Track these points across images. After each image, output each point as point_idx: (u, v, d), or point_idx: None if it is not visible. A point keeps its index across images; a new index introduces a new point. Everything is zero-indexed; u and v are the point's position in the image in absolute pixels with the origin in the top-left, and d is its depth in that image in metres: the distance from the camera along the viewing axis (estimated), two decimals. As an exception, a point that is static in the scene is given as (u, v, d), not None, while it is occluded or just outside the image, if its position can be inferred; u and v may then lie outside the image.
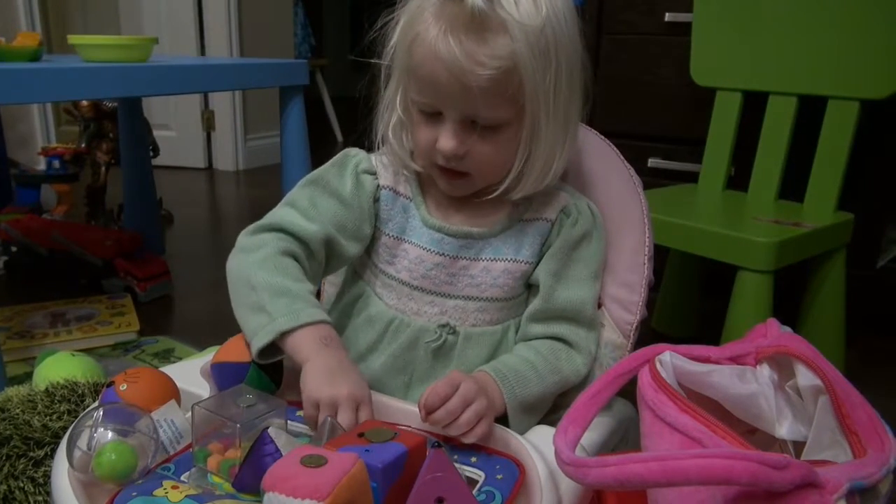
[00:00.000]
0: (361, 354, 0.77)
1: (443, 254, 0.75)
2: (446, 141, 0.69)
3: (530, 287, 0.78)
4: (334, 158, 0.78)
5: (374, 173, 0.77)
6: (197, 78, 1.45)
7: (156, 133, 2.23)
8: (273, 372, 0.71)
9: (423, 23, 0.67)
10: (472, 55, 0.64)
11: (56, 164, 2.22)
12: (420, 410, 0.63)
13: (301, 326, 0.66)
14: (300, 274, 0.71)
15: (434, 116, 0.70)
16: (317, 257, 0.73)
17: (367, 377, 0.74)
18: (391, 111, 0.75)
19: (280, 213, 0.74)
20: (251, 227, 0.74)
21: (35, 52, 1.24)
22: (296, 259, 0.72)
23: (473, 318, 0.75)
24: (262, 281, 0.68)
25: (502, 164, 0.71)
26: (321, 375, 0.63)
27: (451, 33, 0.64)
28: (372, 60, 0.75)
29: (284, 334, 0.66)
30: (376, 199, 0.77)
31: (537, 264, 0.76)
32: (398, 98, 0.74)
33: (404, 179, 0.77)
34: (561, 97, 0.68)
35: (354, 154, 0.78)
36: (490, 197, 0.73)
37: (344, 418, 0.61)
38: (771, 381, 0.59)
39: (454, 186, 0.74)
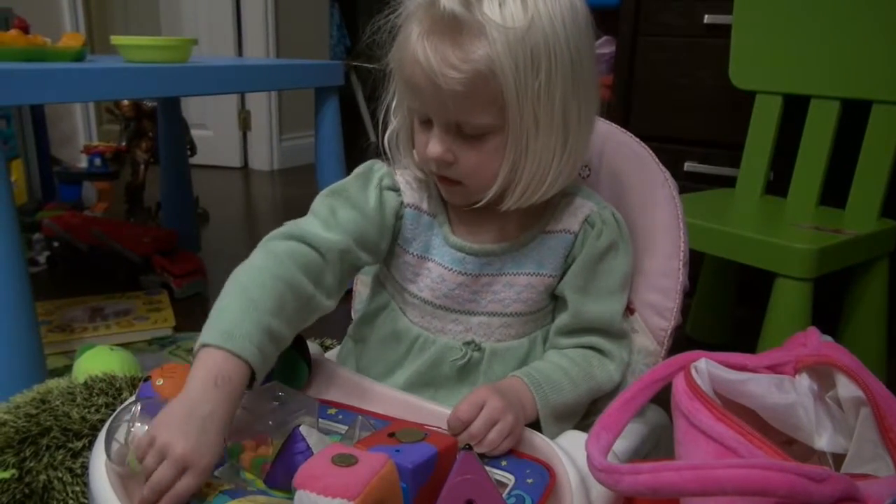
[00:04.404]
0: (387, 370, 0.77)
1: (465, 273, 0.73)
2: (433, 147, 0.67)
3: (556, 298, 0.76)
4: (358, 170, 0.76)
5: (397, 190, 0.74)
6: (234, 78, 1.48)
7: (193, 132, 2.27)
8: (301, 347, 0.73)
9: (410, 25, 0.66)
10: (445, 58, 0.62)
11: (97, 161, 2.27)
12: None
13: (219, 348, 0.59)
14: (293, 277, 0.65)
15: (427, 123, 0.68)
16: (333, 269, 0.69)
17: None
18: (396, 116, 0.74)
19: (301, 223, 0.71)
20: (272, 233, 0.70)
21: (79, 53, 1.27)
22: (307, 270, 0.67)
23: (499, 333, 0.74)
24: (244, 279, 0.64)
25: (493, 172, 0.67)
26: (179, 416, 0.55)
27: (428, 36, 0.63)
28: (370, 66, 0.73)
29: (204, 346, 0.60)
30: (399, 217, 0.74)
31: (561, 276, 0.75)
32: (395, 103, 0.73)
33: (428, 196, 0.75)
34: (555, 104, 0.64)
35: (379, 168, 0.76)
36: (503, 208, 0.70)
37: (160, 474, 0.53)
38: (810, 392, 0.58)
39: (451, 194, 0.72)
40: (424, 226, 0.75)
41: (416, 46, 0.64)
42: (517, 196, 0.69)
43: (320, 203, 0.73)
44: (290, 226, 0.70)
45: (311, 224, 0.71)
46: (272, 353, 0.63)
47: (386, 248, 0.75)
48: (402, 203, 0.74)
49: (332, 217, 0.71)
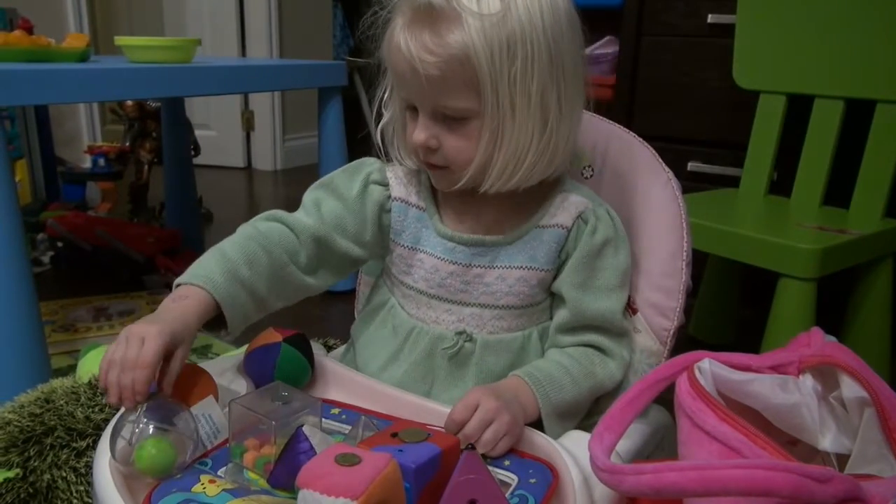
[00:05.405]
0: (384, 364, 0.77)
1: (456, 262, 0.74)
2: (418, 133, 0.69)
3: (552, 295, 0.77)
4: (349, 164, 0.80)
5: (385, 185, 0.77)
6: (238, 79, 1.48)
7: (197, 133, 2.28)
8: (304, 346, 0.73)
9: (396, 18, 0.69)
10: (423, 44, 0.65)
11: (101, 162, 2.28)
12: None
13: (182, 284, 0.68)
14: (268, 244, 0.72)
15: (414, 111, 0.71)
16: (307, 249, 0.74)
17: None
18: (388, 109, 0.76)
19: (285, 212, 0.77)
20: (254, 217, 0.76)
21: (83, 53, 1.28)
22: (282, 243, 0.73)
23: (490, 325, 0.75)
24: (221, 244, 0.72)
25: (475, 155, 0.69)
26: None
27: (409, 26, 0.66)
28: (361, 60, 0.75)
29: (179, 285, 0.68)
30: (387, 211, 0.77)
31: (555, 271, 0.75)
32: (387, 96, 0.75)
33: (416, 190, 0.77)
34: (531, 90, 0.66)
35: (370, 163, 0.79)
36: (482, 189, 0.71)
37: (119, 350, 0.60)
38: (814, 392, 0.58)
39: (437, 179, 0.74)
40: (413, 218, 0.77)
41: (398, 36, 0.67)
42: (495, 177, 0.70)
43: (308, 196, 0.78)
44: (272, 212, 0.76)
45: (294, 213, 0.77)
46: (240, 295, 0.68)
47: (371, 239, 0.77)
48: (389, 197, 0.77)
49: (315, 208, 0.76)
